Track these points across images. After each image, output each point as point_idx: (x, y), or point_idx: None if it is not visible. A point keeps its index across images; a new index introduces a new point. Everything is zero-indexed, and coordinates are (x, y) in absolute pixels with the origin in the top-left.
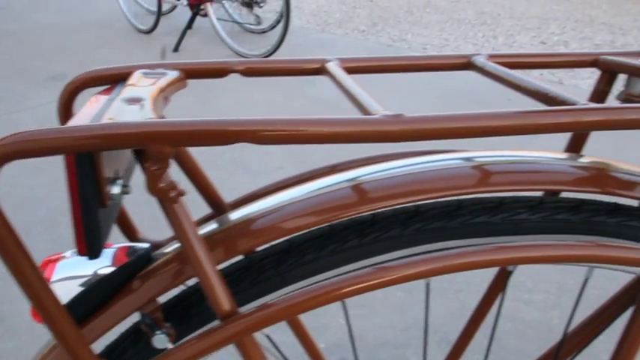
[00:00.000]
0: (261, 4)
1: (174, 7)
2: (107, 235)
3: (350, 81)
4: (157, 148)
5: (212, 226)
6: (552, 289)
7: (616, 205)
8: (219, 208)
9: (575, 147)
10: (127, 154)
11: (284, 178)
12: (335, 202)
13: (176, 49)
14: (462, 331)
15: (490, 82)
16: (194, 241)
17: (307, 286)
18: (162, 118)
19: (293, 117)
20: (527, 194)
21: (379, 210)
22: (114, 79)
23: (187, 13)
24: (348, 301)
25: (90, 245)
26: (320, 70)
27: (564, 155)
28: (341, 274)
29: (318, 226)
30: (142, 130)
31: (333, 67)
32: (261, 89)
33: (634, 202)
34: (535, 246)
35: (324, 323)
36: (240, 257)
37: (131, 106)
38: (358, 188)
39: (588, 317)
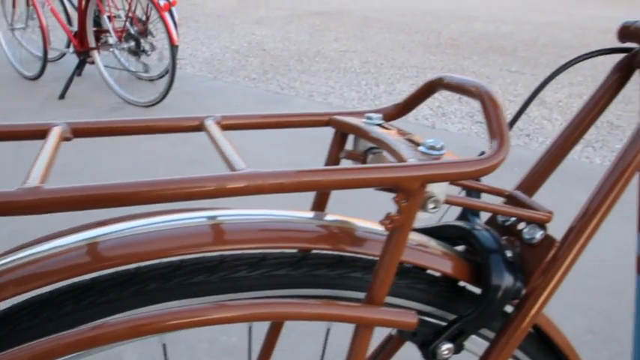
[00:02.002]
0: (149, 53)
1: (62, 55)
2: None
3: (49, 147)
4: None
5: None
6: None
7: (340, 258)
8: None
9: (319, 205)
10: None
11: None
12: (55, 265)
13: (62, 97)
14: None
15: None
16: None
17: None
18: None
19: None
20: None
21: (99, 273)
22: None
23: (76, 59)
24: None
25: None
26: (44, 134)
27: (309, 214)
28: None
29: (37, 292)
30: None
31: (56, 131)
32: (147, 138)
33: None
34: (227, 306)
35: None
36: None
37: None
38: (89, 249)
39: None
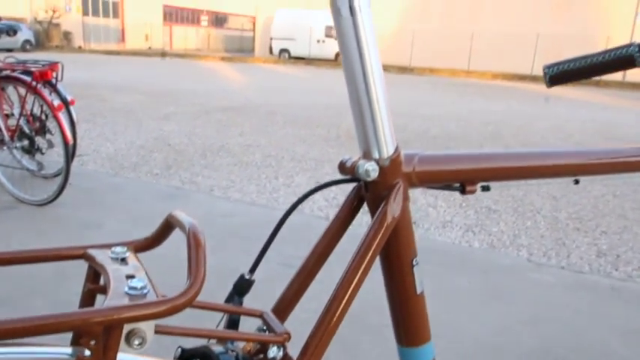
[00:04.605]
0: (44, 151)
1: None
2: None
3: None
4: None
5: None
6: None
7: None
8: None
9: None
10: None
11: None
12: None
13: None
14: None
15: None
16: None
17: None
18: None
19: None
20: None
21: None
22: None
23: None
24: None
25: None
26: None
27: (67, 350)
28: None
29: None
30: None
31: None
32: (36, 237)
33: None
34: None
35: None
36: None
37: None
38: None
39: None
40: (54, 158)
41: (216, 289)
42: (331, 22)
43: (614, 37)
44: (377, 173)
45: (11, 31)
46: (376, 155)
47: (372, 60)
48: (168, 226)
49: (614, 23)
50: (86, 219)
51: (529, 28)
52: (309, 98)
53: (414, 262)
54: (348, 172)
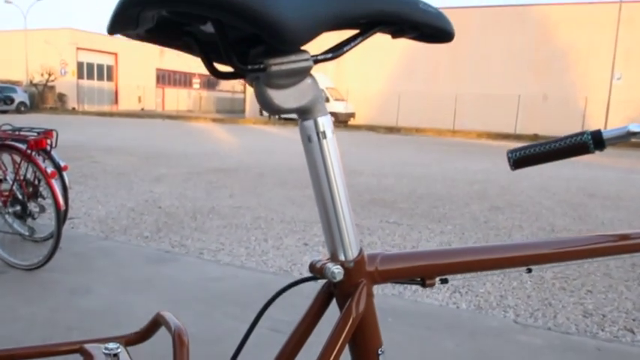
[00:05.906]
0: (36, 216)
1: None
2: None
3: None
4: None
5: None
6: None
7: None
8: None
9: None
10: None
11: None
12: None
13: None
14: None
15: None
16: None
17: None
18: None
19: None
20: None
21: None
22: None
23: None
24: None
25: None
26: None
27: None
28: None
29: None
30: None
31: None
32: (25, 302)
33: None
34: None
35: None
36: None
37: None
38: None
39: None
40: (45, 221)
41: (210, 354)
42: (322, 84)
43: (592, 98)
44: (342, 275)
45: (8, 99)
46: (342, 258)
47: (336, 177)
48: (156, 323)
49: (592, 85)
50: (75, 284)
51: (511, 90)
52: (298, 160)
53: (380, 352)
54: (317, 272)
